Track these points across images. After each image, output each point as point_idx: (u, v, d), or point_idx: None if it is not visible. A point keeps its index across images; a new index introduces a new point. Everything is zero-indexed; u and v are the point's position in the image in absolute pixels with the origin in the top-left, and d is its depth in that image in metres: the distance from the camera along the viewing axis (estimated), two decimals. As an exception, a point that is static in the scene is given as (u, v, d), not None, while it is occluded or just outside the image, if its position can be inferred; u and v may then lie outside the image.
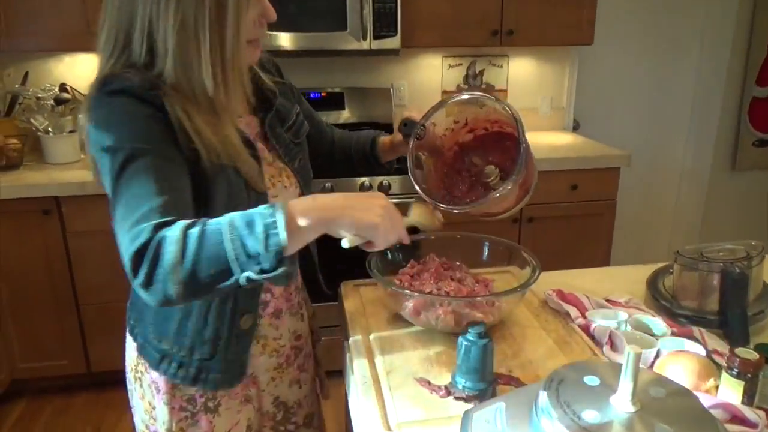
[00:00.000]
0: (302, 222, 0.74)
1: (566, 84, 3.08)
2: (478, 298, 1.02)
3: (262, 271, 0.72)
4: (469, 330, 0.87)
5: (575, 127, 3.18)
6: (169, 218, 0.73)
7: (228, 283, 0.72)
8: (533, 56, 3.02)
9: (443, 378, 0.94)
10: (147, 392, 1.01)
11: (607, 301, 1.21)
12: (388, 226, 0.80)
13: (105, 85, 0.81)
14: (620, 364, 0.66)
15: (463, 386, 0.88)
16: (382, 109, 2.82)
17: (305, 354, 1.15)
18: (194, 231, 0.71)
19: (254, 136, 0.98)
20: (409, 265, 1.18)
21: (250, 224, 0.72)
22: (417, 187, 1.04)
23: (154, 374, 0.98)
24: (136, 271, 0.71)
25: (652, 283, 1.27)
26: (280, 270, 0.72)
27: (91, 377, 2.50)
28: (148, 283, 0.71)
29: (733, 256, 1.11)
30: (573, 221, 2.61)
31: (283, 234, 0.71)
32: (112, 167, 0.77)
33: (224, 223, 0.72)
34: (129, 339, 1.02)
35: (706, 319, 1.11)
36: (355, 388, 0.94)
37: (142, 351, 0.99)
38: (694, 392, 0.72)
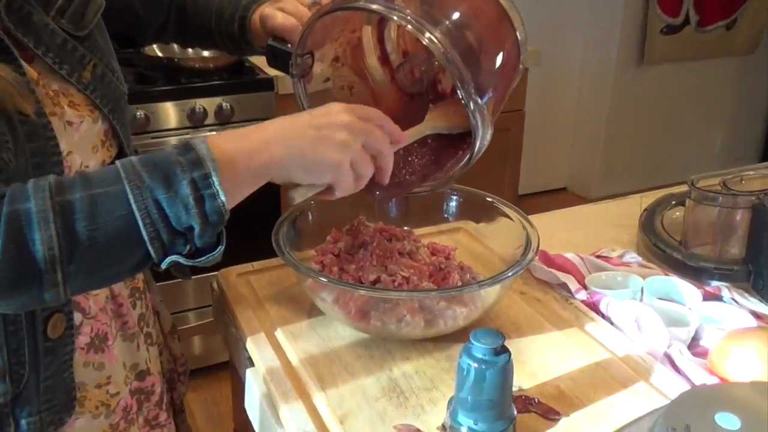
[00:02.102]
0: (241, 169, 0.68)
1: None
2: (466, 289, 0.88)
3: (195, 253, 0.68)
4: (476, 343, 0.73)
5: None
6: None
7: (136, 272, 0.72)
8: None
9: (434, 416, 0.80)
10: None
11: (597, 257, 1.15)
12: (358, 159, 0.73)
13: None
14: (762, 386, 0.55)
15: (472, 429, 0.74)
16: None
17: (156, 401, 0.97)
18: (73, 198, 0.63)
19: None
20: (330, 236, 1.03)
21: (167, 179, 0.64)
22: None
23: None
24: None
25: (647, 224, 1.24)
26: (219, 249, 0.69)
27: None
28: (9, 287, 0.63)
29: (765, 187, 1.07)
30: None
31: (221, 193, 0.65)
32: None
33: (121, 177, 0.64)
34: None
35: (726, 269, 1.10)
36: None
37: None
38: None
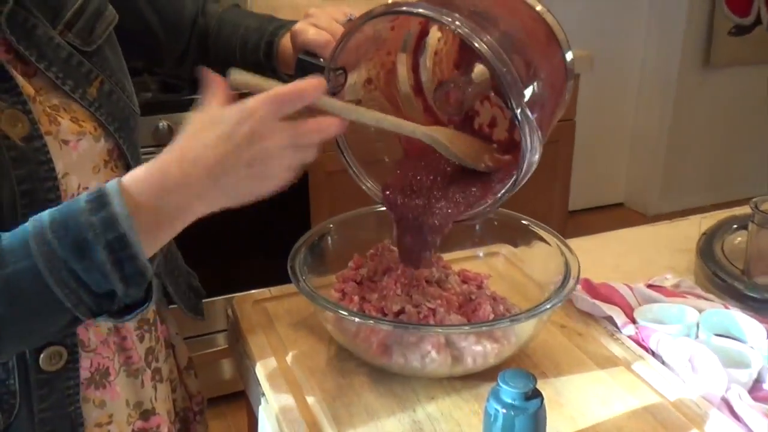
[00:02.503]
0: (161, 222, 0.67)
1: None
2: (498, 323, 0.84)
3: (126, 309, 0.68)
4: (504, 386, 0.70)
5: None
6: None
7: (72, 329, 0.74)
8: None
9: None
10: None
11: (649, 287, 1.10)
12: (274, 171, 0.68)
13: None
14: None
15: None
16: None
17: None
18: None
19: None
20: (352, 262, 1.01)
21: (80, 247, 0.63)
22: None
23: None
24: None
25: (706, 249, 1.19)
26: (147, 305, 0.69)
27: None
28: None
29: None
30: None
31: (140, 253, 0.64)
32: None
33: (32, 250, 0.63)
34: None
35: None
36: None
37: None
38: None
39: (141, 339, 0.91)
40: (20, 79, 0.75)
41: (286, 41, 0.98)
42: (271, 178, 0.68)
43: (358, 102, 0.94)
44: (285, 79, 0.98)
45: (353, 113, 0.76)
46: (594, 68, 2.62)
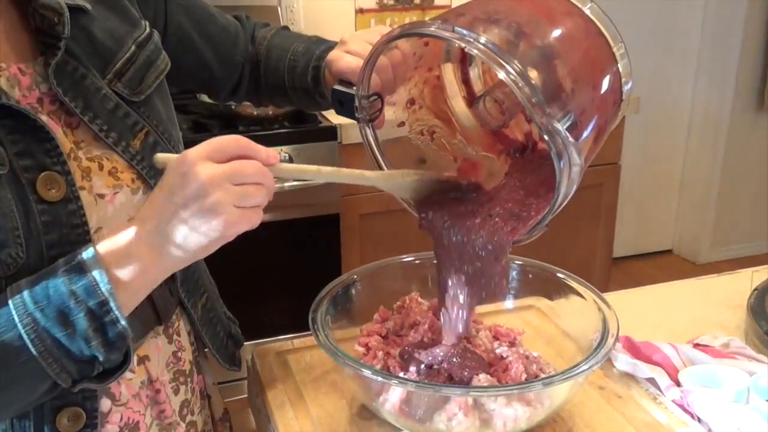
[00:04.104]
0: (137, 285, 0.71)
1: None
2: (530, 385, 0.82)
3: (105, 374, 0.72)
4: None
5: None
6: None
7: (47, 398, 0.73)
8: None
9: None
10: None
11: (695, 346, 1.07)
12: (241, 204, 0.70)
13: None
14: None
15: None
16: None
17: None
18: None
19: (33, 101, 0.77)
20: (377, 315, 1.00)
21: (62, 316, 0.66)
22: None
23: None
24: None
25: (758, 306, 1.15)
26: (125, 368, 0.72)
27: None
28: None
29: None
30: (563, 197, 2.57)
31: (121, 317, 0.68)
32: None
33: (15, 321, 0.66)
34: None
35: None
36: None
37: None
38: None
39: (176, 391, 0.91)
40: (60, 134, 0.76)
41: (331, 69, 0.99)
42: (212, 229, 0.68)
43: (401, 124, 0.93)
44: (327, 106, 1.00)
45: (308, 173, 0.79)
46: (641, 110, 2.60)
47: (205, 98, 2.24)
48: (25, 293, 0.67)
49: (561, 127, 0.71)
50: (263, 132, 2.11)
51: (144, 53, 0.86)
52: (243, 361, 1.08)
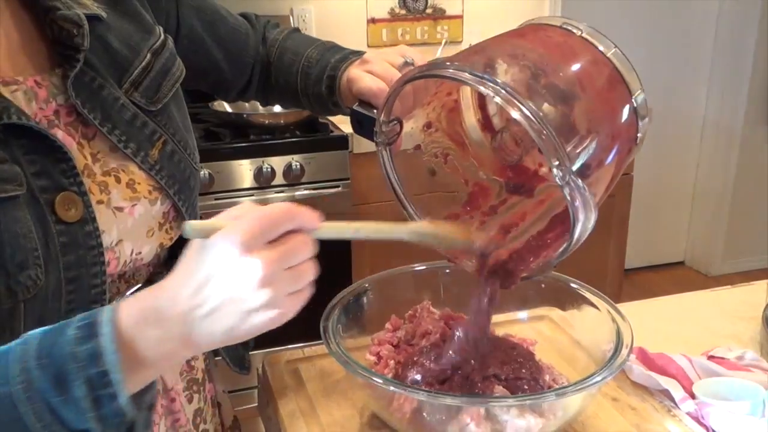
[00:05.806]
0: (148, 363, 0.62)
1: (547, 14, 3.04)
2: (543, 396, 0.82)
3: None
4: None
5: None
6: None
7: None
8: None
9: None
10: None
11: (710, 358, 1.06)
12: (285, 306, 0.62)
13: None
14: None
15: None
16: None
17: None
18: None
19: (50, 113, 0.76)
20: (389, 323, 1.00)
21: (60, 378, 0.59)
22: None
23: None
24: None
25: None
26: None
27: None
28: None
29: None
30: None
31: (122, 394, 0.60)
32: None
33: (9, 376, 0.59)
34: None
35: None
36: None
37: None
38: None
39: (189, 400, 0.91)
40: (75, 150, 0.75)
41: (345, 78, 1.00)
42: (262, 321, 0.61)
43: (418, 147, 0.94)
44: (348, 112, 1.00)
45: (349, 231, 0.71)
46: (653, 121, 2.59)
47: (216, 107, 2.25)
48: (34, 343, 0.61)
49: (583, 184, 0.71)
50: (275, 141, 2.12)
51: (159, 61, 0.86)
52: (253, 368, 1.09)
